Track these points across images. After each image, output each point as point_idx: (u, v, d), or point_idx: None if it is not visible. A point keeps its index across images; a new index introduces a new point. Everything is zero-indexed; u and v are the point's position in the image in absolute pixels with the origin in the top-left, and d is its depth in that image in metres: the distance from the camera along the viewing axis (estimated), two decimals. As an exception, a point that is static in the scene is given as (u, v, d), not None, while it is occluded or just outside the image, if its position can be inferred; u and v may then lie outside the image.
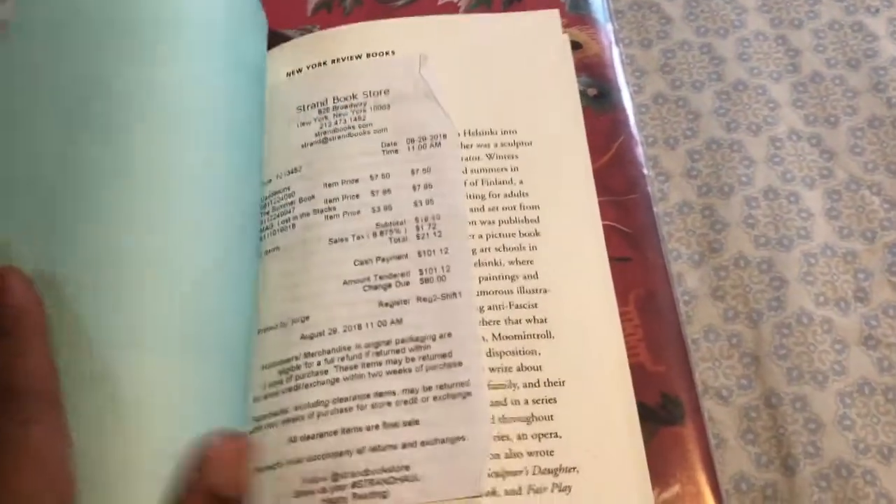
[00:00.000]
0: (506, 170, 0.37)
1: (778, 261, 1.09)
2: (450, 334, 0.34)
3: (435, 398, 0.33)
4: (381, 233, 0.36)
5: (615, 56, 0.42)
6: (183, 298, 0.31)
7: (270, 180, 0.39)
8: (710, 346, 1.05)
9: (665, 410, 0.33)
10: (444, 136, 0.38)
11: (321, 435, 0.32)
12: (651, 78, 1.25)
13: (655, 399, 0.33)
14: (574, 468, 0.32)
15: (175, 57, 0.34)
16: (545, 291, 0.35)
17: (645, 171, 0.39)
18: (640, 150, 0.39)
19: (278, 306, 0.35)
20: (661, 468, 0.32)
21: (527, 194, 0.37)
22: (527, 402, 0.33)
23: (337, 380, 0.33)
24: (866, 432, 0.99)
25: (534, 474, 0.32)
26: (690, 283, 1.09)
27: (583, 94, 0.40)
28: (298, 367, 0.34)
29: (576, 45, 0.41)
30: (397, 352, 0.34)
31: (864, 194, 1.15)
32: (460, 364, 0.33)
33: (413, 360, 0.34)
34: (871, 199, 1.14)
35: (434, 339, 0.34)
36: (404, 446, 0.32)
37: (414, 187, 0.37)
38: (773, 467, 0.97)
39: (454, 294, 0.35)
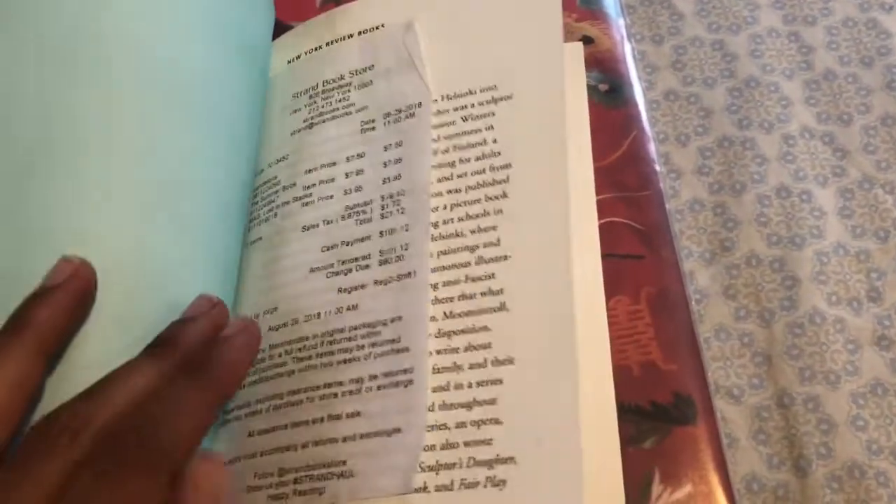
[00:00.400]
0: (480, 130, 0.36)
1: (790, 259, 1.09)
2: (401, 318, 0.32)
3: (379, 387, 0.31)
4: (350, 215, 0.35)
5: (627, 51, 0.41)
6: (139, 282, 0.30)
7: (262, 170, 0.38)
8: (721, 346, 1.05)
9: (677, 410, 0.33)
10: (419, 104, 0.37)
11: (273, 429, 0.31)
12: (662, 74, 1.25)
13: (668, 398, 0.33)
14: (511, 458, 0.29)
15: (168, 20, 0.34)
16: (505, 258, 0.33)
17: (657, 167, 0.38)
18: (652, 147, 0.39)
19: (254, 298, 0.35)
20: (673, 468, 0.32)
21: (499, 153, 0.35)
22: (470, 385, 0.31)
23: (292, 372, 0.32)
24: (879, 433, 0.98)
25: (468, 467, 0.29)
26: (702, 282, 1.08)
27: (594, 89, 0.39)
28: (263, 360, 0.33)
29: (587, 40, 0.41)
30: (350, 339, 0.32)
31: (878, 193, 1.14)
32: (407, 350, 0.31)
33: (363, 347, 0.32)
34: (884, 197, 1.13)
35: (385, 325, 0.32)
36: (345, 440, 0.30)
37: (385, 164, 0.36)
38: (784, 468, 0.97)
39: (409, 274, 0.33)
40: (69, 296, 0.28)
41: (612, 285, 0.34)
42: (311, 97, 0.39)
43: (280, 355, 0.33)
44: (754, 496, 0.96)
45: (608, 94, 0.40)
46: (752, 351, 1.04)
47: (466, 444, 0.30)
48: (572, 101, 0.38)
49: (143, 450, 0.25)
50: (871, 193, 1.14)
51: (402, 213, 0.34)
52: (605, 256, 0.35)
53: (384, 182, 0.35)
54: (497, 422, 0.30)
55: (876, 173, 1.15)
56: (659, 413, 0.32)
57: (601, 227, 0.36)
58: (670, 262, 0.36)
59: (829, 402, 1.00)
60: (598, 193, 0.36)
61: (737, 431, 0.99)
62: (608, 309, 0.34)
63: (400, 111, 0.37)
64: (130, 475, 0.25)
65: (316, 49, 0.40)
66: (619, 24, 0.42)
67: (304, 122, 0.38)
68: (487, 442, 0.30)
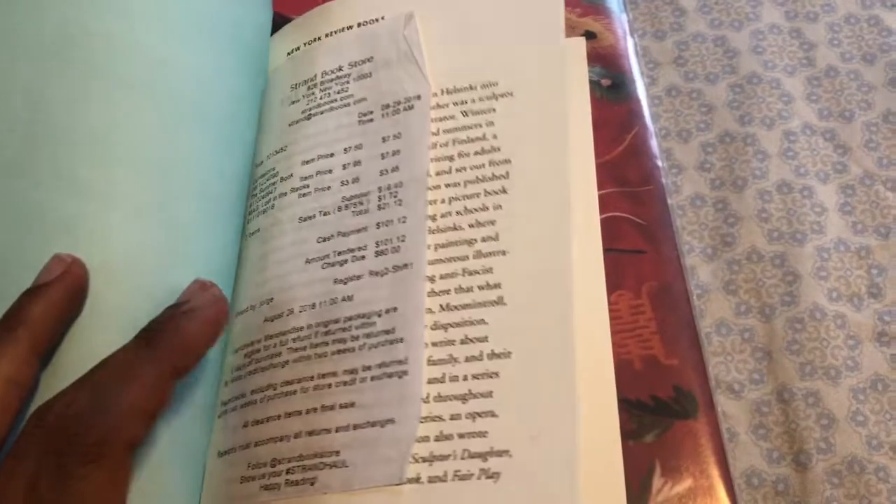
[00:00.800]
0: (480, 125, 0.35)
1: (791, 255, 1.09)
2: (395, 309, 0.32)
3: (373, 378, 0.31)
4: (346, 206, 0.35)
5: (629, 46, 0.41)
6: (131, 280, 0.31)
7: (262, 162, 0.38)
8: (722, 341, 1.05)
9: (678, 404, 0.33)
10: (418, 97, 0.36)
11: (268, 420, 0.31)
12: (664, 70, 1.25)
13: (668, 392, 0.33)
14: (507, 451, 0.29)
15: (157, 20, 0.34)
16: (503, 254, 0.32)
17: (659, 162, 0.38)
18: (654, 142, 0.39)
19: (251, 289, 0.35)
20: (674, 462, 0.32)
21: (498, 149, 0.35)
22: (466, 377, 0.30)
23: (287, 362, 0.32)
24: (879, 429, 0.98)
25: (462, 458, 0.29)
26: (703, 277, 1.08)
27: (596, 84, 0.40)
28: (258, 351, 0.33)
29: (590, 35, 0.41)
30: (344, 330, 0.32)
31: (879, 189, 1.14)
32: (402, 341, 0.31)
33: (357, 338, 0.32)
34: (885, 194, 1.13)
35: (380, 315, 0.32)
36: (338, 430, 0.30)
37: (382, 155, 0.35)
38: (784, 462, 0.97)
39: (405, 265, 0.33)
40: (61, 291, 0.28)
41: (614, 280, 0.35)
42: (309, 88, 0.39)
43: (275, 346, 0.33)
44: (754, 491, 0.96)
45: (610, 89, 0.40)
46: (752, 346, 1.04)
47: (461, 435, 0.29)
48: (574, 95, 0.38)
49: (92, 429, 0.25)
50: (873, 190, 1.14)
51: (400, 204, 0.34)
52: (607, 251, 0.35)
53: (382, 174, 0.35)
54: (492, 415, 0.30)
55: (877, 170, 1.15)
56: (660, 407, 0.33)
57: (603, 222, 0.36)
58: (671, 258, 0.36)
59: (829, 397, 1.00)
60: (599, 188, 0.36)
61: (737, 426, 0.99)
62: (610, 303, 0.34)
63: (399, 103, 0.37)
64: (85, 460, 0.25)
65: (315, 40, 0.40)
66: (622, 20, 0.42)
67: (303, 113, 0.38)
68: (482, 434, 0.29)
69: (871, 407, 0.99)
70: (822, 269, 1.08)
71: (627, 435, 0.32)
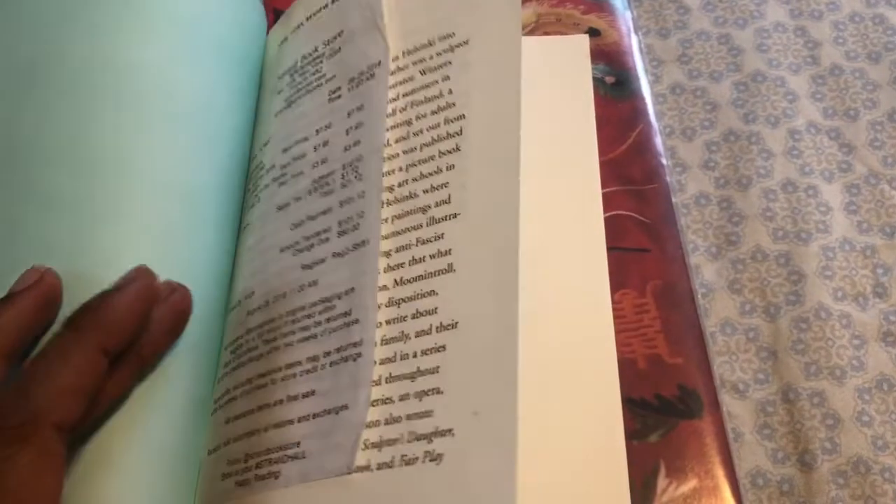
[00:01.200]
0: (437, 82, 0.34)
1: (796, 254, 1.09)
2: (353, 289, 0.30)
3: (332, 364, 0.29)
4: (315, 189, 0.34)
5: (634, 44, 0.41)
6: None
7: (255, 156, 0.38)
8: (726, 340, 1.04)
9: (683, 403, 0.33)
10: (378, 63, 0.35)
11: (244, 414, 0.31)
12: (668, 68, 1.25)
13: (673, 392, 0.33)
14: (450, 430, 0.27)
15: (136, 36, 0.34)
16: (455, 216, 0.30)
17: (663, 160, 0.38)
18: (658, 140, 0.38)
19: (239, 284, 0.34)
20: (679, 462, 0.32)
21: (453, 105, 0.33)
22: (416, 354, 0.29)
23: (261, 355, 0.31)
24: (885, 429, 0.98)
25: (408, 442, 0.27)
26: (707, 276, 1.08)
27: (600, 81, 0.39)
28: (241, 346, 0.32)
29: (594, 32, 0.41)
30: (309, 317, 0.31)
31: (884, 188, 1.14)
32: (357, 322, 0.30)
33: (320, 324, 0.30)
34: (890, 193, 1.13)
35: (340, 298, 0.30)
36: (300, 420, 0.29)
37: (347, 131, 0.34)
38: (789, 463, 0.97)
39: (363, 242, 0.31)
40: (32, 299, 0.28)
41: (618, 278, 0.34)
42: (291, 76, 0.38)
43: (253, 339, 0.32)
44: (759, 491, 0.95)
45: (614, 86, 0.40)
46: (757, 346, 1.04)
47: (408, 417, 0.28)
48: (578, 92, 0.38)
49: (18, 410, 0.25)
50: (878, 189, 1.14)
51: (360, 179, 0.33)
52: (611, 249, 0.35)
53: (346, 150, 0.34)
54: (438, 391, 0.28)
55: (882, 169, 1.15)
56: (664, 407, 0.32)
57: (607, 220, 0.36)
58: (676, 256, 0.36)
59: (834, 397, 1.00)
60: (603, 186, 0.36)
61: (742, 426, 0.99)
62: (614, 302, 0.34)
63: (362, 73, 0.35)
64: (10, 441, 0.25)
65: (298, 27, 0.39)
66: (626, 17, 0.42)
67: (286, 101, 0.37)
68: (428, 414, 0.28)
69: (876, 407, 0.99)
70: (828, 269, 1.08)
71: (631, 435, 0.32)
